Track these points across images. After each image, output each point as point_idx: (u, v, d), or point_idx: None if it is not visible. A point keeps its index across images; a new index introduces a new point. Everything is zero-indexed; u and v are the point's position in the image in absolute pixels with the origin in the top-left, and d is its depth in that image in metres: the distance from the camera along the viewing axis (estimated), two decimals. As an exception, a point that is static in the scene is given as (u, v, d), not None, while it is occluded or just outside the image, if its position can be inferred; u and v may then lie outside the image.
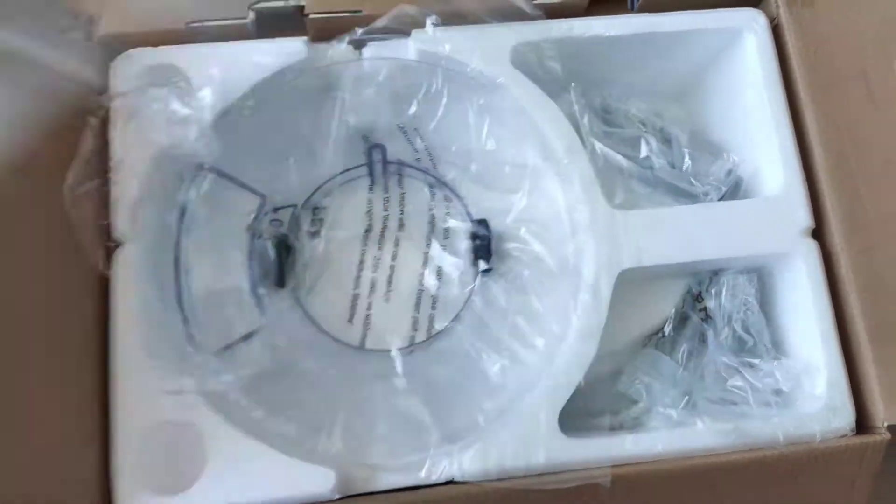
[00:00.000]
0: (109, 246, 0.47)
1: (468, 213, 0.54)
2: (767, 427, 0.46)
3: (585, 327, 0.47)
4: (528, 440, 0.45)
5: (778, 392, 0.49)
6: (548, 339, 0.49)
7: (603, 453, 0.45)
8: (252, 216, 0.51)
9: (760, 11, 0.53)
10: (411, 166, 0.55)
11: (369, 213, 0.54)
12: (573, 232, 0.50)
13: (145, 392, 0.45)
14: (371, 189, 0.54)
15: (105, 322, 0.46)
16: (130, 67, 0.49)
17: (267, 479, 0.43)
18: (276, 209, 0.52)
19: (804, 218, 0.50)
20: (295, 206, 0.52)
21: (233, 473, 0.44)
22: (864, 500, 0.48)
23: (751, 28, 0.52)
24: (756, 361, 0.49)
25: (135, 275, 0.47)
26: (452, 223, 0.53)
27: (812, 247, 0.49)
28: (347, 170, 0.53)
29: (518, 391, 0.47)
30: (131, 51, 0.50)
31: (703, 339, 0.51)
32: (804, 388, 0.49)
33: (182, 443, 0.44)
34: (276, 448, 0.44)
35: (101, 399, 0.45)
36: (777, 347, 0.51)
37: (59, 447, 0.43)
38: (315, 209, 0.53)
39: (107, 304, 0.47)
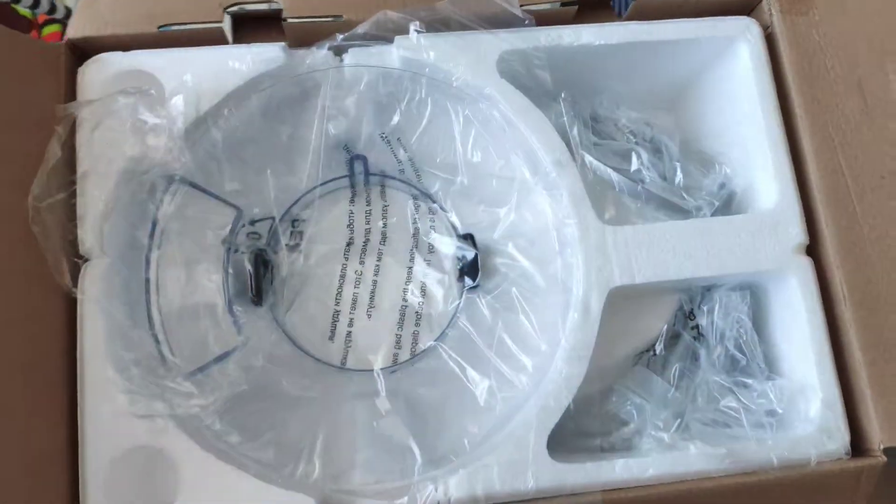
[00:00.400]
0: (77, 262, 0.45)
1: (453, 227, 0.52)
2: (761, 450, 0.45)
3: (575, 347, 0.46)
4: (517, 465, 0.44)
5: (772, 413, 0.47)
6: (536, 358, 0.48)
7: (593, 478, 0.44)
8: (227, 229, 0.49)
9: (754, 20, 0.51)
10: (394, 178, 0.53)
11: (350, 225, 0.52)
12: (562, 247, 0.48)
13: (115, 416, 0.43)
14: (352, 201, 0.52)
15: (74, 341, 0.44)
16: (99, 73, 0.47)
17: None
18: (253, 222, 0.50)
19: (798, 234, 0.48)
20: (273, 218, 0.50)
21: (207, 502, 0.42)
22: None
23: (744, 37, 0.51)
24: (749, 381, 0.48)
25: (103, 292, 0.44)
26: (437, 237, 0.52)
27: (806, 264, 0.48)
28: (328, 181, 0.51)
29: (506, 413, 0.46)
30: (100, 55, 0.47)
31: (694, 358, 0.50)
32: (798, 409, 0.48)
33: (154, 470, 0.42)
34: (253, 474, 0.42)
35: (70, 423, 0.43)
36: (771, 366, 0.50)
37: (24, 475, 0.41)
38: (294, 222, 0.51)
39: (75, 322, 0.44)
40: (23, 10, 0.97)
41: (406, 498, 0.42)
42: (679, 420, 0.47)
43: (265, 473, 0.43)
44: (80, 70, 0.47)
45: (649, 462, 0.44)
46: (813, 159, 0.49)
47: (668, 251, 0.47)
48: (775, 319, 0.50)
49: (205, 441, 0.43)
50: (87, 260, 0.45)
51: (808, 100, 0.50)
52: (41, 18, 1.00)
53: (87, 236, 0.44)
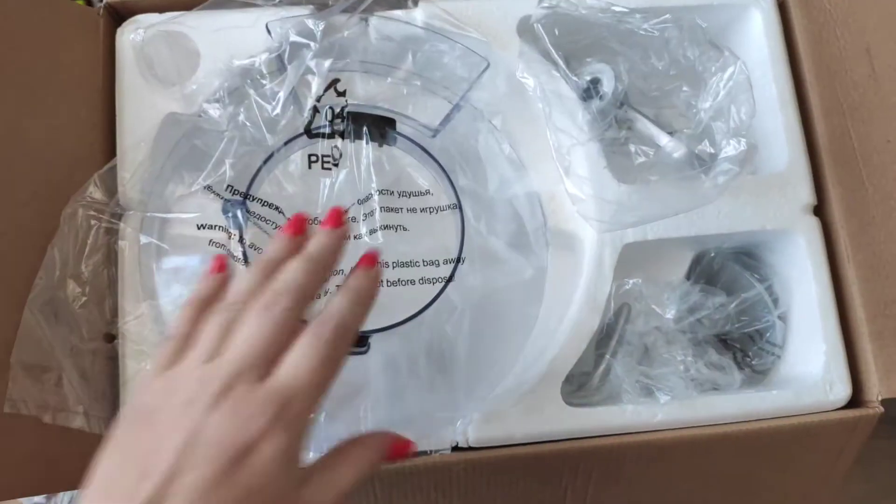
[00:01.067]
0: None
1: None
2: (766, 399, 0.47)
3: (588, 300, 0.48)
4: (533, 409, 0.46)
5: (776, 362, 0.50)
6: (552, 309, 0.50)
7: (604, 423, 0.46)
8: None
9: (764, -13, 0.53)
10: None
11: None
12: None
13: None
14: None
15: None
16: (136, 33, 0.49)
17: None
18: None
19: (806, 195, 0.50)
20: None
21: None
22: (846, 467, 0.50)
23: (757, 4, 0.52)
24: (756, 329, 0.50)
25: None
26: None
27: (813, 224, 0.50)
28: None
29: (523, 359, 0.48)
30: (137, 16, 0.49)
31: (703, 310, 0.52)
32: (803, 360, 0.50)
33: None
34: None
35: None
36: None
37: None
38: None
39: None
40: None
41: (427, 437, 0.45)
42: (684, 366, 0.50)
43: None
44: (119, 31, 0.49)
45: (658, 408, 0.47)
46: (822, 123, 0.51)
47: (680, 209, 0.49)
48: (782, 276, 0.52)
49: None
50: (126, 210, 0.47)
51: (817, 65, 0.52)
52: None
53: (128, 187, 0.47)
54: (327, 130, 0.49)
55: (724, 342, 0.53)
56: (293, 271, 0.33)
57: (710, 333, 0.52)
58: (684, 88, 0.50)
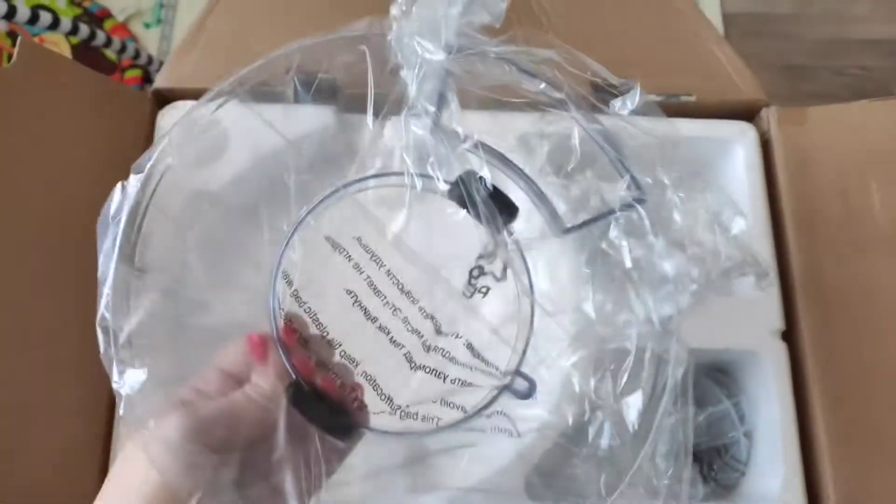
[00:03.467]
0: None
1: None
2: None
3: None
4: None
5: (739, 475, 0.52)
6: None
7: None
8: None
9: (752, 125, 0.57)
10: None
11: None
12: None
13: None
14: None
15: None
16: (174, 116, 0.55)
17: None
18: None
19: (775, 320, 0.53)
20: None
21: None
22: None
23: (741, 141, 0.57)
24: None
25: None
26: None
27: (780, 348, 0.53)
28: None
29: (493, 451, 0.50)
30: (177, 102, 0.55)
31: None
32: (764, 479, 0.52)
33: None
34: None
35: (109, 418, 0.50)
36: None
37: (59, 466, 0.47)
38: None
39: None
40: (110, 54, 1.08)
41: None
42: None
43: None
44: (160, 114, 0.55)
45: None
46: (796, 256, 0.54)
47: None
48: (750, 394, 0.55)
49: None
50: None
51: (795, 199, 0.56)
52: (125, 63, 1.11)
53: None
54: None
55: (694, 460, 0.55)
56: None
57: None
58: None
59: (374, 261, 0.46)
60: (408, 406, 0.45)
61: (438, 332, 0.45)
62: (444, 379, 0.45)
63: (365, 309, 0.46)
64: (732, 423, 0.54)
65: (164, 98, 0.56)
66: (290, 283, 0.44)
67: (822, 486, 0.50)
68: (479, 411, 0.43)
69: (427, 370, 0.46)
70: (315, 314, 0.44)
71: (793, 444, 0.51)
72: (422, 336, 0.46)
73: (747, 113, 0.59)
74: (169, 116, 0.55)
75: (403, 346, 0.47)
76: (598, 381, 0.52)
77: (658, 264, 0.51)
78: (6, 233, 0.48)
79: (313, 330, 0.42)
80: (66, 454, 0.48)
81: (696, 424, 0.54)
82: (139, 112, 0.55)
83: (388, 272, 0.46)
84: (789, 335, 0.54)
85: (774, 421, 0.52)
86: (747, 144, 0.57)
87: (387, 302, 0.45)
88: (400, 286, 0.46)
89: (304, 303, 0.44)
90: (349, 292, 0.46)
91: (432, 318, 0.45)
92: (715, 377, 0.56)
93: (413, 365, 0.46)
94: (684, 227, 0.47)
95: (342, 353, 0.43)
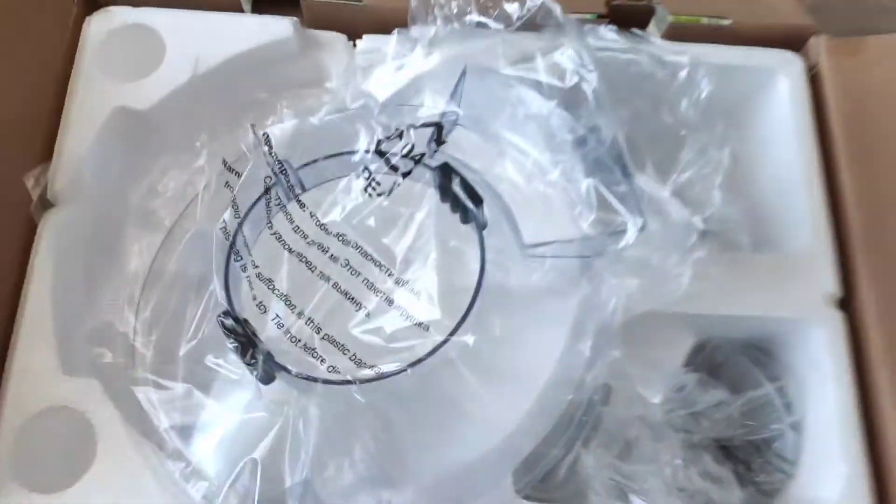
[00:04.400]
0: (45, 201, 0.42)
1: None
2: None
3: (562, 370, 0.40)
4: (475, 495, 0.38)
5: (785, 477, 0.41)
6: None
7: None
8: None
9: (798, 55, 0.48)
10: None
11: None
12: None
13: (44, 373, 0.39)
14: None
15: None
16: (104, 24, 0.46)
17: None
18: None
19: (830, 284, 0.43)
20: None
21: (120, 478, 0.37)
22: None
23: (785, 71, 0.47)
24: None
25: (64, 246, 0.42)
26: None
27: (837, 317, 0.43)
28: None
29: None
30: (109, 7, 0.46)
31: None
32: (818, 482, 0.41)
33: (71, 435, 0.38)
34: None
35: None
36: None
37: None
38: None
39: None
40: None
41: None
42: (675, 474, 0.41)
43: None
44: (87, 20, 0.46)
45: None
46: (853, 205, 0.44)
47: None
48: (798, 376, 0.44)
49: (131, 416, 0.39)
50: (51, 206, 0.42)
51: (852, 146, 0.46)
52: None
53: (60, 178, 0.42)
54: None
55: (724, 449, 0.44)
56: None
57: (707, 436, 0.43)
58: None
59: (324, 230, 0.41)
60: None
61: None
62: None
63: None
64: (776, 413, 0.43)
65: (94, 2, 0.47)
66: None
67: (894, 488, 0.39)
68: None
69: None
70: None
71: (855, 437, 0.40)
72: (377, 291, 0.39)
73: (792, 42, 0.49)
74: (97, 23, 0.46)
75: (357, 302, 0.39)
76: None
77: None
78: None
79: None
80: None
81: (729, 414, 0.43)
82: (63, 17, 0.46)
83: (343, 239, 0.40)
84: (847, 304, 0.43)
85: (830, 409, 0.41)
86: (793, 75, 0.47)
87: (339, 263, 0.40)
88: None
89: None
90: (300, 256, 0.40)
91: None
92: (753, 356, 0.45)
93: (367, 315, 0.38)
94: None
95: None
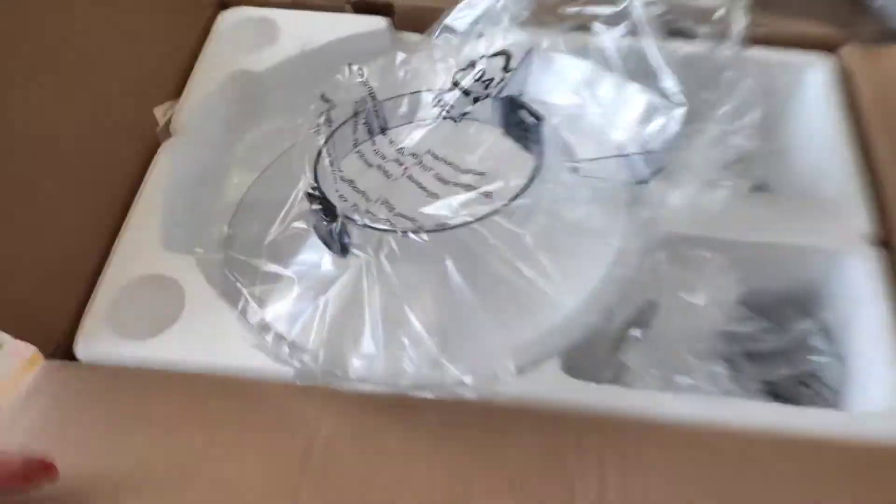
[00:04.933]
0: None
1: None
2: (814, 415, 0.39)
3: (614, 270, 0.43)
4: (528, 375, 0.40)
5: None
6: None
7: (608, 402, 0.39)
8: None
9: (831, 55, 0.53)
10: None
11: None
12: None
13: (147, 246, 0.45)
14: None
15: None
16: (231, 19, 0.56)
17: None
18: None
19: (866, 224, 0.46)
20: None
21: (200, 334, 0.41)
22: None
23: (813, 68, 0.53)
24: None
25: (178, 163, 0.49)
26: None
27: (874, 253, 0.45)
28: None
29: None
30: (238, 6, 0.57)
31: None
32: (863, 397, 0.41)
33: (162, 297, 0.42)
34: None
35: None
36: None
37: (48, 277, 0.42)
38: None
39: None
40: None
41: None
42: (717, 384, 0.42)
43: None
44: (220, 15, 0.57)
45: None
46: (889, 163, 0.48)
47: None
48: (838, 315, 0.45)
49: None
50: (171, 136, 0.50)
51: (886, 135, 0.49)
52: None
53: (182, 113, 0.50)
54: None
55: (770, 387, 0.45)
56: None
57: (754, 372, 0.45)
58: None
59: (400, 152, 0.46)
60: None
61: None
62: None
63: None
64: (817, 347, 0.44)
65: (228, 3, 0.58)
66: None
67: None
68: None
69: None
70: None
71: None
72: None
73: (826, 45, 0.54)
74: (227, 18, 0.56)
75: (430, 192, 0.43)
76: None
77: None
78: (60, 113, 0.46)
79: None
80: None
81: (770, 351, 0.45)
82: (199, 13, 0.56)
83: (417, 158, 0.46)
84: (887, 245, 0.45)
85: (872, 339, 0.42)
86: (821, 73, 0.53)
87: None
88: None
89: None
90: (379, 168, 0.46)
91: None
92: (791, 296, 0.47)
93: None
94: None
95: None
